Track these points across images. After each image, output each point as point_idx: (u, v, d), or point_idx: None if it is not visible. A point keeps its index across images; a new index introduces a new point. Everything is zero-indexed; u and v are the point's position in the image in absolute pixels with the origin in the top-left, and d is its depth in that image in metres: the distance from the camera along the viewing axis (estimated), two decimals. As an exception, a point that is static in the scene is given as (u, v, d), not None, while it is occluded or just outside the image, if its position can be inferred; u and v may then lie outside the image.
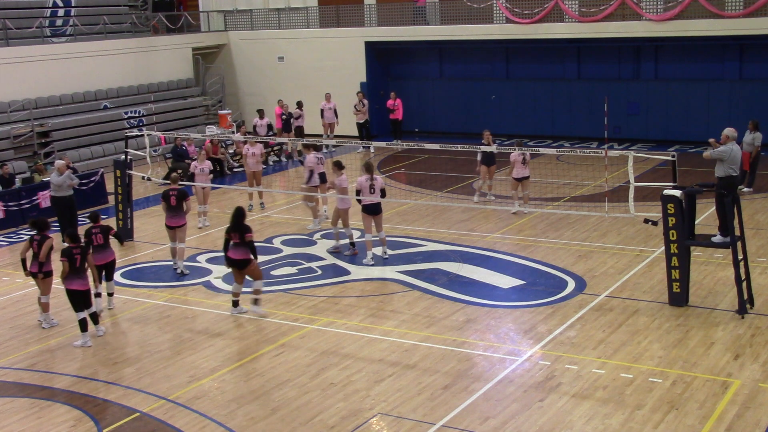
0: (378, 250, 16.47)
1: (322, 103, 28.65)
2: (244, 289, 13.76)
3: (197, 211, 19.20)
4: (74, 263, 12.70)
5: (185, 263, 16.28)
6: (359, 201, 16.11)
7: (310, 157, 18.44)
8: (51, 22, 30.03)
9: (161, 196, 16.18)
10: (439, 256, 16.44)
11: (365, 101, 28.75)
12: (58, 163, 18.68)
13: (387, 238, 16.54)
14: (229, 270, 13.91)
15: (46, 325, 13.61)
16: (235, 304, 13.83)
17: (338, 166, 16.73)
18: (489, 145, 19.29)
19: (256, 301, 13.68)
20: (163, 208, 16.15)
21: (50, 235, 13.59)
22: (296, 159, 27.20)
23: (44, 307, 13.59)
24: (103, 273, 14.01)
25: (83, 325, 12.74)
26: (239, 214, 13.39)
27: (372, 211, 16.07)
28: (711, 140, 13.59)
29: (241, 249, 13.30)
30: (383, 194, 16.20)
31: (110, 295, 14.31)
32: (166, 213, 15.96)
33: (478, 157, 19.93)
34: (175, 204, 15.84)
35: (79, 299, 12.74)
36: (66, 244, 13.01)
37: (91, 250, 13.46)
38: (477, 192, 20.40)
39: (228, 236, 13.38)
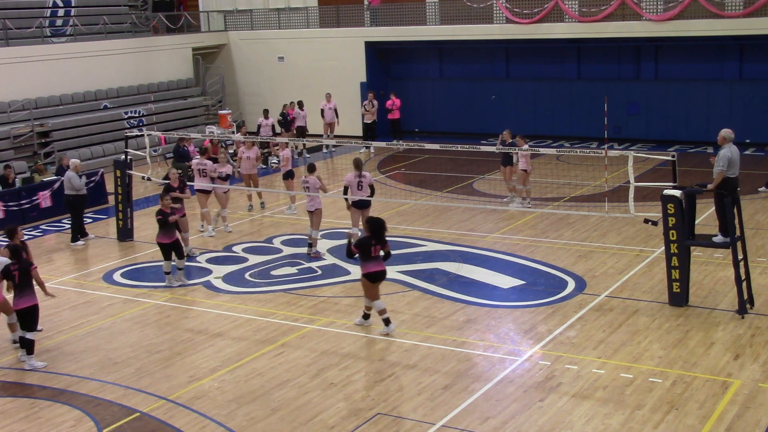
0: None
1: (323, 103, 28.66)
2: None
3: (220, 215, 18.98)
4: (13, 280, 12.01)
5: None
6: (346, 199, 16.30)
7: (209, 163, 18.88)
8: (51, 22, 30.03)
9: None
10: (439, 256, 16.43)
11: (375, 102, 28.76)
12: (74, 162, 18.71)
13: (387, 239, 16.50)
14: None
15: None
16: (388, 321, 12.70)
17: (309, 169, 16.85)
18: (507, 144, 19.27)
19: (388, 321, 12.72)
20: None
21: None
22: (296, 158, 27.26)
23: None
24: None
25: (25, 344, 12.16)
26: (380, 223, 12.63)
27: (361, 205, 16.31)
28: (711, 159, 13.55)
29: (380, 260, 12.55)
30: (372, 191, 16.41)
31: (180, 269, 15.45)
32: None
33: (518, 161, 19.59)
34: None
35: (21, 319, 12.13)
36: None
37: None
38: (515, 196, 19.91)
39: (365, 249, 12.43)
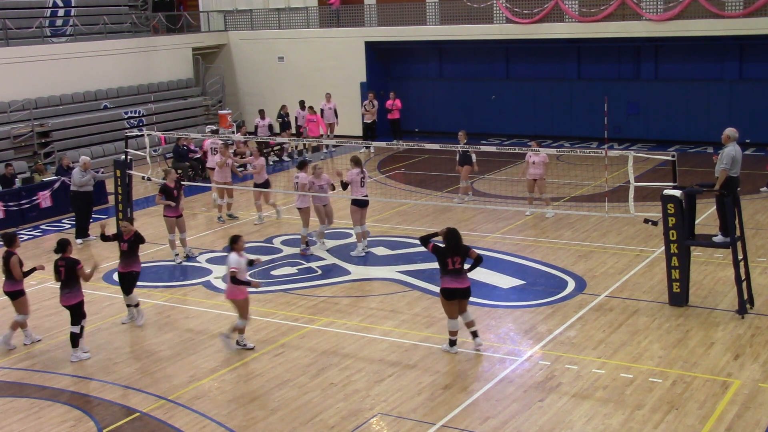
0: (358, 246, 16.73)
1: (322, 103, 28.66)
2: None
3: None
4: (59, 276, 12.22)
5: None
6: (344, 187, 16.47)
7: (220, 143, 20.30)
8: (51, 22, 30.03)
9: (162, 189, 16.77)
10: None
11: (375, 102, 28.76)
12: (83, 159, 18.71)
13: (387, 239, 16.59)
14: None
15: (27, 341, 12.92)
16: (454, 343, 11.90)
17: (300, 166, 16.95)
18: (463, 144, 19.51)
19: (476, 333, 11.99)
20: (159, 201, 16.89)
21: (15, 251, 12.70)
22: (296, 158, 27.33)
23: (22, 325, 12.88)
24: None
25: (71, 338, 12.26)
26: (458, 235, 11.68)
27: (362, 204, 16.40)
28: (714, 158, 13.54)
29: (462, 275, 11.57)
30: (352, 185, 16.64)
31: (129, 306, 13.67)
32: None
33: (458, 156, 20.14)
34: (176, 195, 16.66)
35: (70, 314, 12.26)
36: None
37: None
38: (461, 193, 20.61)
39: (440, 255, 11.53)
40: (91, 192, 18.82)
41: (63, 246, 12.25)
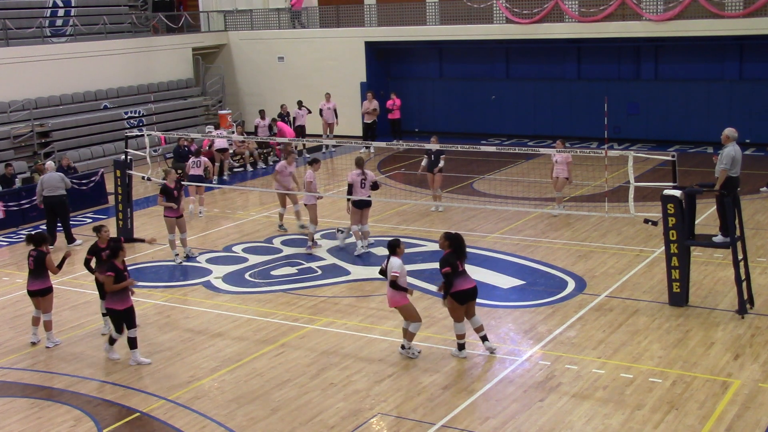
0: (358, 243, 16.73)
1: (322, 103, 28.67)
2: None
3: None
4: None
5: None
6: (348, 199, 16.41)
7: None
8: (51, 22, 30.04)
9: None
10: (439, 256, 16.35)
11: (375, 102, 28.72)
12: (50, 165, 18.74)
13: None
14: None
15: (50, 344, 12.79)
16: (463, 347, 11.80)
17: (311, 163, 17.06)
18: (433, 149, 19.14)
19: (486, 337, 11.88)
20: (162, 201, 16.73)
21: (48, 250, 12.73)
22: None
23: (47, 325, 12.81)
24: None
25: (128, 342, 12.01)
26: (462, 239, 11.73)
27: (363, 205, 16.42)
28: (714, 158, 13.53)
29: (468, 276, 11.61)
30: (376, 186, 16.60)
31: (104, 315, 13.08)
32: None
33: (424, 162, 19.70)
34: (177, 195, 16.65)
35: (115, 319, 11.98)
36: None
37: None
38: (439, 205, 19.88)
39: (453, 267, 11.47)
40: (63, 195, 18.37)
41: (115, 252, 11.92)
